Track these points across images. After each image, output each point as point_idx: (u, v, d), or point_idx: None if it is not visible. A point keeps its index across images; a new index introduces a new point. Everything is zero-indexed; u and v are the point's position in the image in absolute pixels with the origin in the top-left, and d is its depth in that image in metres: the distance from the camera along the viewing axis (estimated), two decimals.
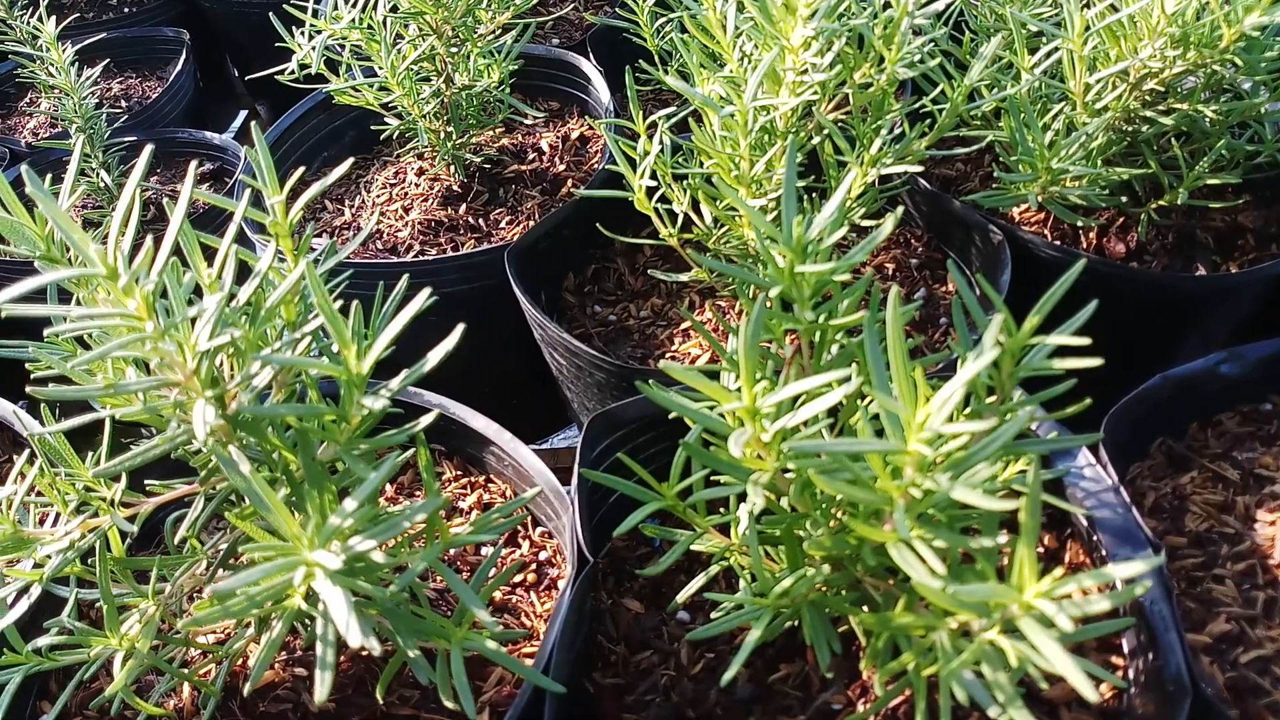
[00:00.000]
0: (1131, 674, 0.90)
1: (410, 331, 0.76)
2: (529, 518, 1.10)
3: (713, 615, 0.90)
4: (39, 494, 0.79)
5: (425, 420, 0.76)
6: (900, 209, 0.77)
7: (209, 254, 0.78)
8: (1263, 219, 1.39)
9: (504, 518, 0.90)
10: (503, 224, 1.58)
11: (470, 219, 1.58)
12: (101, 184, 1.80)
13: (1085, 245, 1.40)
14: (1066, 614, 0.62)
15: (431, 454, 1.18)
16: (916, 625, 0.71)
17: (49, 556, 0.77)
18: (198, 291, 0.77)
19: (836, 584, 0.83)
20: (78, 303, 0.73)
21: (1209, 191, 1.39)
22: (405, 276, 0.96)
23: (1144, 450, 1.14)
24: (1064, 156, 1.13)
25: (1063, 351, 0.76)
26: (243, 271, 0.76)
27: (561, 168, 1.68)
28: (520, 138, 1.76)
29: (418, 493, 1.15)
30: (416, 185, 1.66)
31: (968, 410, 0.82)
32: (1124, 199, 1.35)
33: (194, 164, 0.81)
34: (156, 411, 0.66)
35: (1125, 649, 0.92)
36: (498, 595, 1.02)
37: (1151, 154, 1.33)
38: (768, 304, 0.82)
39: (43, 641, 0.81)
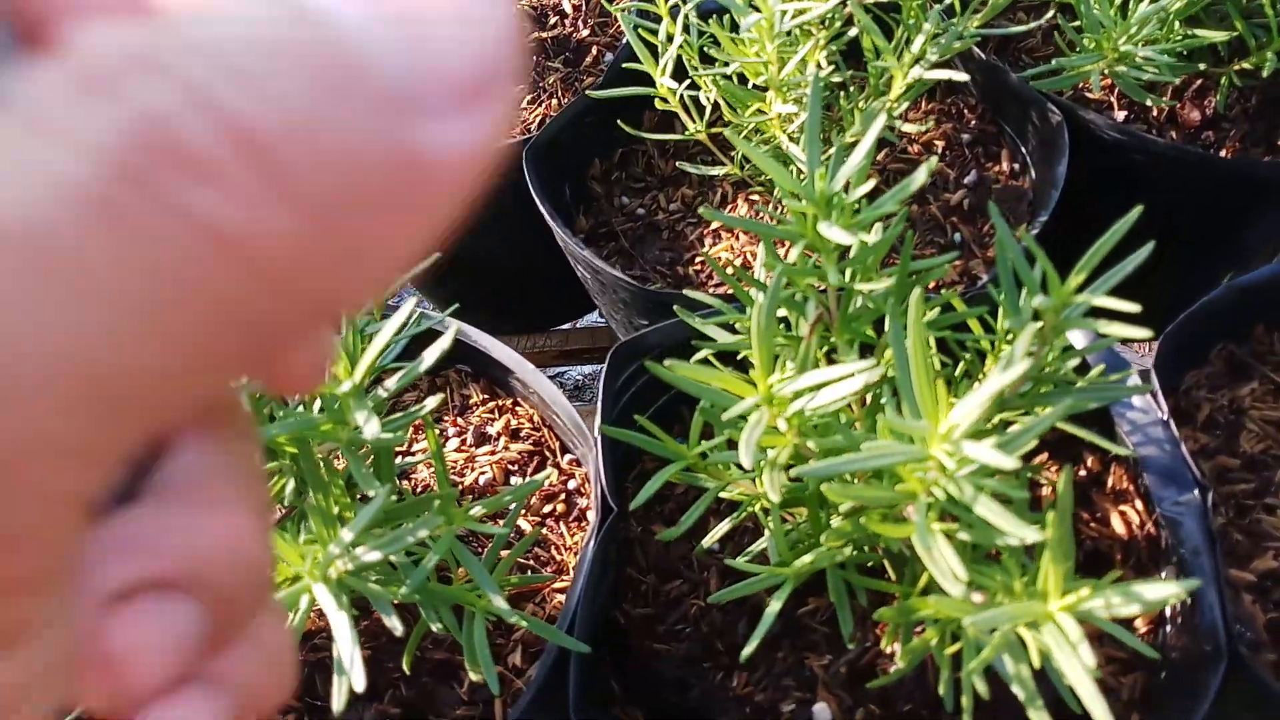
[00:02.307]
0: (1166, 615, 0.88)
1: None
2: (557, 444, 1.09)
3: (736, 560, 0.89)
4: None
5: (431, 404, 0.73)
6: (934, 159, 0.69)
7: None
8: None
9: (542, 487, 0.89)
10: (524, 103, 1.49)
11: None
12: None
13: (1155, 114, 1.27)
14: (1100, 614, 0.61)
15: (458, 375, 1.16)
16: (941, 613, 0.70)
17: None
18: None
19: (862, 545, 0.81)
20: None
21: None
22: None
23: (1204, 356, 1.07)
24: (1133, 36, 1.01)
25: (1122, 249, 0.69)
26: None
27: (585, 33, 1.56)
28: None
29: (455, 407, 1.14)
30: None
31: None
32: (1201, 65, 1.21)
33: None
34: None
35: None
36: (528, 527, 1.02)
37: (1238, 13, 1.18)
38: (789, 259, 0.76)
39: None
